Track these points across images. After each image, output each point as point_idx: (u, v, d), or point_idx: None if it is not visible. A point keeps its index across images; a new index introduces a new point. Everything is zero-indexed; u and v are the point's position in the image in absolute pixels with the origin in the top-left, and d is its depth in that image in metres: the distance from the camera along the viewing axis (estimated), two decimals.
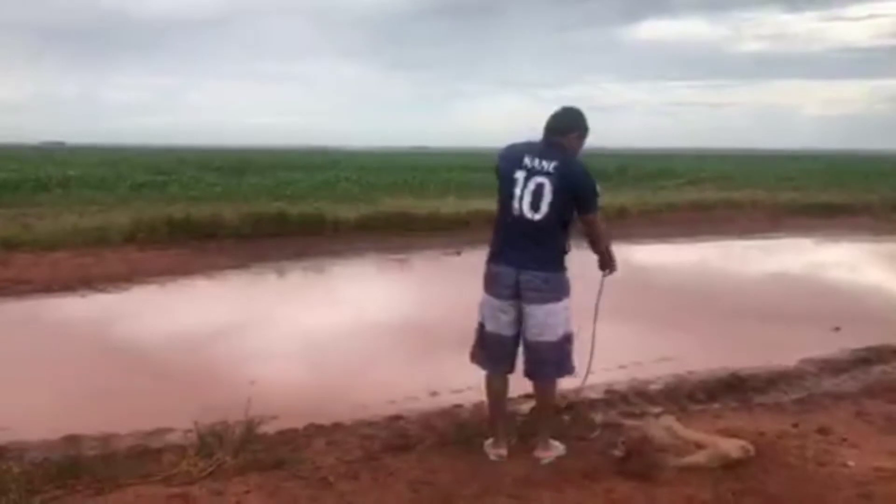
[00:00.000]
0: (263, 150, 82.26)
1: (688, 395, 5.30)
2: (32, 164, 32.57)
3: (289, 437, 4.34)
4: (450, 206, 16.64)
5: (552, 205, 3.70)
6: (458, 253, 12.09)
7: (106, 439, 4.46)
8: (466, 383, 5.36)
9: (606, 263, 4.03)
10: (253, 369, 6.11)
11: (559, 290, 3.80)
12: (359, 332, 7.54)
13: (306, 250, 12.43)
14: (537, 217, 3.72)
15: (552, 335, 3.79)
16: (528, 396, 4.50)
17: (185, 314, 8.45)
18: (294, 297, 9.80)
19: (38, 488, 3.51)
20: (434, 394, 5.41)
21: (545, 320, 3.78)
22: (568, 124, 3.86)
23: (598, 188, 3.79)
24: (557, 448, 3.99)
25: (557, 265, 3.80)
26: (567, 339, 3.86)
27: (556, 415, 4.26)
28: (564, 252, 3.85)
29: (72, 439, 4.42)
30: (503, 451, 3.97)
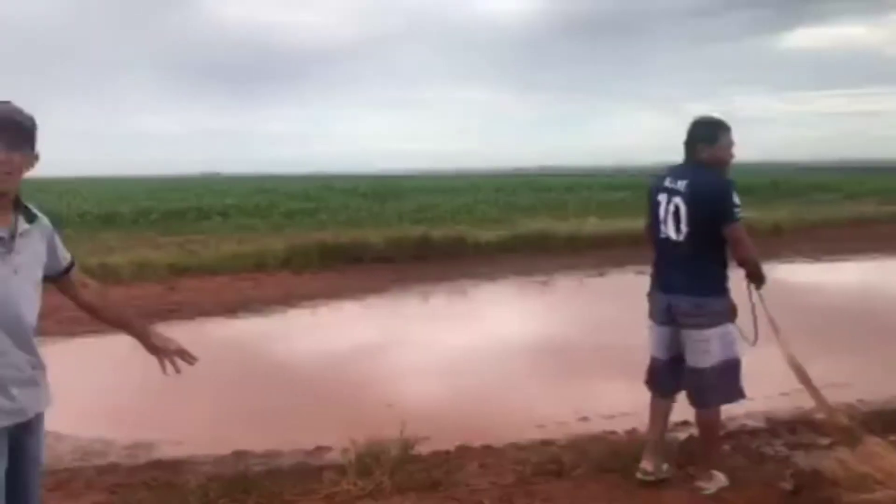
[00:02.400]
0: (402, 175, 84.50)
1: (860, 426, 4.92)
2: (195, 194, 34.97)
3: (442, 459, 4.40)
4: (591, 226, 16.44)
5: (690, 224, 3.61)
6: (601, 274, 11.91)
7: (270, 456, 4.69)
8: (618, 408, 5.27)
9: (754, 276, 3.75)
10: (402, 390, 6.26)
11: (714, 316, 3.65)
12: (504, 354, 7.56)
13: (449, 273, 12.62)
14: (680, 239, 3.65)
15: (707, 361, 3.66)
16: (686, 423, 4.35)
17: (336, 336, 8.77)
18: (438, 319, 9.96)
19: (213, 501, 3.74)
20: (584, 418, 5.33)
21: (699, 346, 3.67)
22: (698, 135, 3.73)
23: (736, 197, 3.60)
24: (719, 479, 3.82)
25: (710, 289, 3.66)
26: (727, 367, 3.69)
27: (718, 444, 4.06)
28: (720, 275, 3.68)
29: (239, 455, 4.69)
30: (647, 467, 3.85)
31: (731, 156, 3.75)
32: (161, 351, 2.54)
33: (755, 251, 3.68)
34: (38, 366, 2.33)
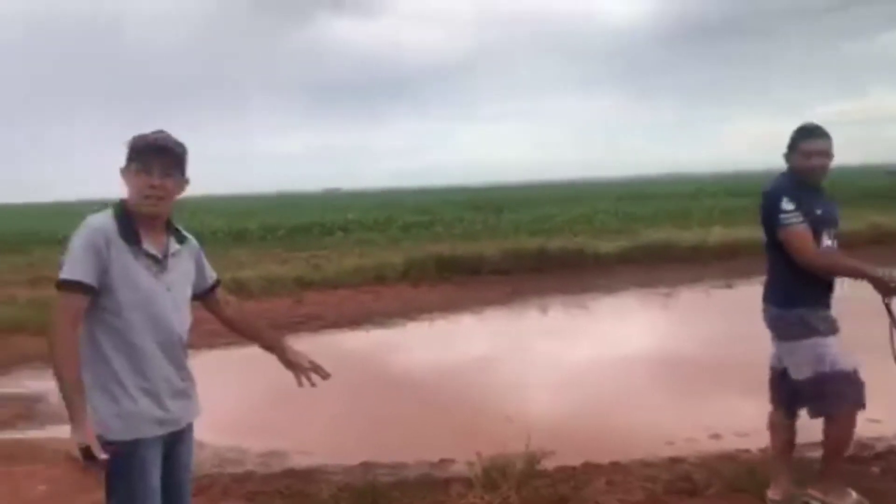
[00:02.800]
0: (520, 186, 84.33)
1: None
2: (318, 210, 36.24)
3: (568, 474, 4.34)
4: (716, 235, 15.84)
5: (765, 233, 3.58)
6: (729, 286, 11.46)
7: (396, 467, 4.77)
8: (751, 426, 5.02)
9: (881, 287, 3.42)
10: (524, 403, 6.23)
11: (793, 328, 3.49)
12: (627, 368, 7.39)
13: (567, 285, 12.49)
14: (764, 247, 3.63)
15: (800, 374, 3.50)
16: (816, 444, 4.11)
17: (455, 348, 8.85)
18: (558, 332, 9.86)
19: None
20: (715, 436, 5.13)
21: (787, 359, 3.57)
22: (788, 142, 3.61)
23: (788, 202, 3.41)
24: (848, 497, 3.56)
25: (785, 300, 3.51)
26: (824, 379, 3.44)
27: (837, 459, 3.74)
28: (792, 285, 3.48)
29: (367, 465, 4.79)
30: (774, 496, 3.67)
31: (811, 163, 3.47)
32: (297, 366, 2.65)
33: (813, 254, 3.42)
34: (188, 378, 2.48)
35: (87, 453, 2.16)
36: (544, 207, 31.11)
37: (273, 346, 2.69)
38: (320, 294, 11.99)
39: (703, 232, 16.55)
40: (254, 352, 2.85)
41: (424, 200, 44.71)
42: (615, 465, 4.51)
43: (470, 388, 6.93)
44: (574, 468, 4.48)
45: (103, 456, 2.17)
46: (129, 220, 2.32)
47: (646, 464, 4.54)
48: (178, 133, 2.41)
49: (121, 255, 2.26)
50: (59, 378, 2.19)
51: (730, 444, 4.92)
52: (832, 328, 3.48)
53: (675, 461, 4.58)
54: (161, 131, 2.38)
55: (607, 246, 14.94)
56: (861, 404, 3.50)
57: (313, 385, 2.65)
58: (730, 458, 4.58)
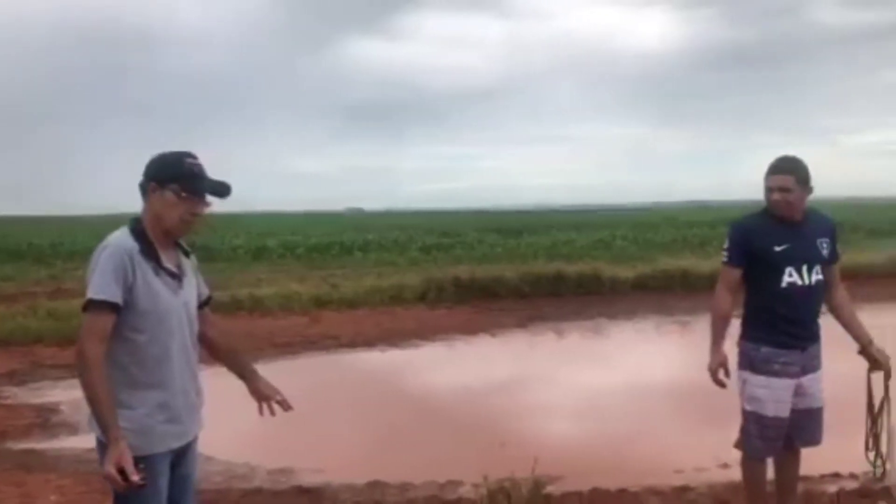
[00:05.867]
0: (542, 210, 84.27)
1: None
2: (338, 229, 36.45)
3: (574, 500, 4.33)
4: None
5: None
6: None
7: (404, 487, 4.77)
8: None
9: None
10: (534, 427, 6.22)
11: (740, 357, 3.56)
12: (640, 395, 7.34)
13: (584, 310, 12.43)
14: None
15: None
16: (836, 475, 4.07)
17: (468, 371, 8.84)
18: (572, 358, 9.82)
19: None
20: (724, 465, 5.07)
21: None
22: None
23: (727, 240, 3.54)
24: None
25: (742, 330, 3.57)
26: (743, 415, 3.54)
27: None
28: (746, 319, 3.54)
29: (375, 485, 4.80)
30: None
31: (772, 197, 3.42)
32: (264, 397, 2.67)
33: (715, 296, 3.56)
34: (200, 392, 2.54)
35: (123, 474, 2.18)
36: (564, 232, 31.06)
37: (245, 375, 2.71)
38: (337, 313, 12.04)
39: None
40: (264, 368, 2.90)
41: (445, 223, 44.80)
42: (623, 493, 4.50)
43: (481, 410, 6.92)
44: (581, 494, 4.47)
45: (135, 478, 2.19)
46: (149, 238, 2.37)
47: (654, 492, 4.53)
48: (206, 151, 2.48)
49: (144, 272, 2.32)
50: (95, 400, 2.21)
51: (738, 474, 4.87)
52: (770, 369, 3.45)
53: (683, 490, 4.56)
54: (194, 156, 2.43)
55: (625, 272, 14.86)
56: (748, 454, 3.59)
57: (273, 415, 2.68)
58: (738, 488, 4.53)
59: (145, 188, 2.40)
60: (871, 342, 3.51)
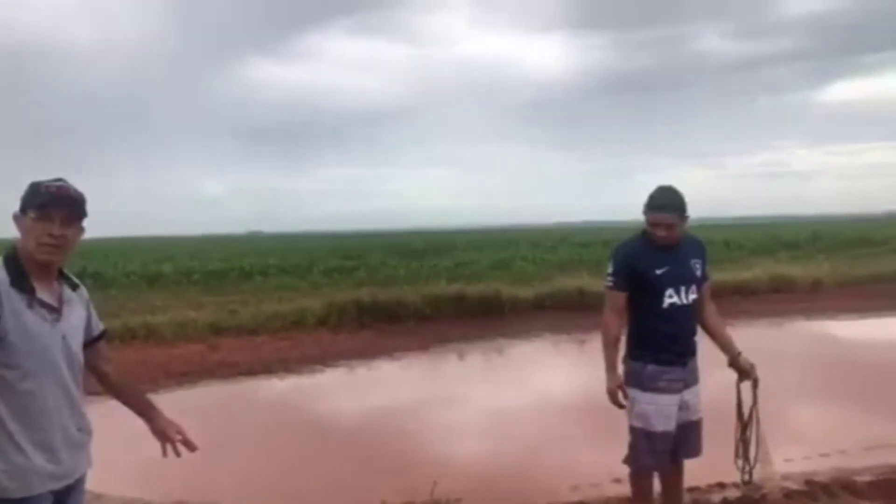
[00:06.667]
0: (443, 232, 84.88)
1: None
2: (238, 253, 35.64)
3: None
4: None
5: None
6: None
7: None
8: None
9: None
10: (435, 450, 6.26)
11: (627, 377, 3.72)
12: (539, 413, 7.52)
13: (485, 331, 12.59)
14: None
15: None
16: (721, 485, 4.27)
17: (371, 396, 8.81)
18: (473, 379, 9.94)
19: None
20: (617, 480, 5.25)
21: None
22: None
23: (610, 265, 3.73)
24: None
25: (627, 350, 3.74)
26: (632, 431, 3.73)
27: None
28: (635, 337, 3.73)
29: None
30: None
31: (655, 232, 3.62)
32: (166, 437, 2.60)
33: (603, 320, 3.73)
34: (85, 428, 2.45)
35: None
36: (466, 253, 31.39)
37: (145, 414, 2.64)
38: (236, 340, 11.78)
39: None
40: (159, 399, 2.83)
41: (348, 245, 44.51)
42: None
43: (382, 435, 6.91)
44: None
45: None
46: (21, 268, 2.29)
47: None
48: (94, 176, 2.39)
49: (14, 304, 2.23)
50: None
51: (628, 489, 5.06)
52: (657, 386, 3.63)
53: None
54: (62, 180, 2.36)
55: (524, 292, 15.15)
56: (633, 468, 3.76)
57: (178, 455, 2.61)
58: (627, 501, 4.71)
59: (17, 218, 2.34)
60: (739, 354, 3.74)
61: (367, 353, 10.88)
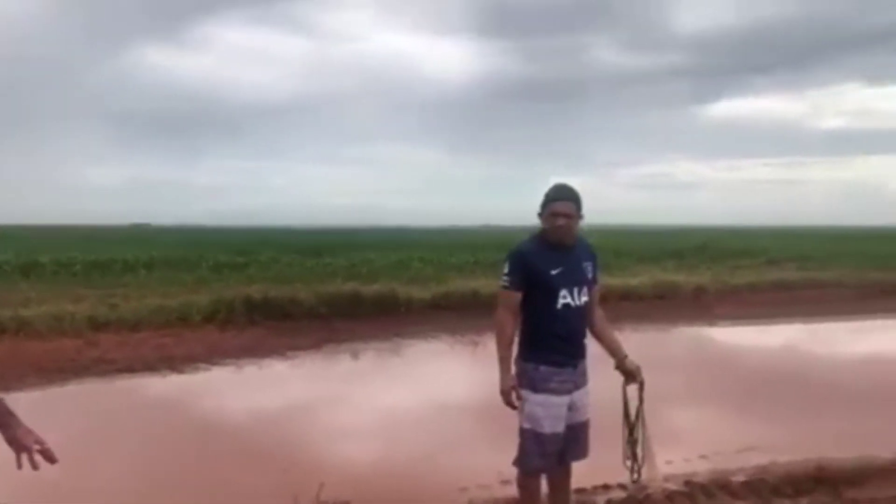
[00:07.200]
0: (340, 230, 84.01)
1: (773, 489, 5.01)
2: (120, 246, 34.07)
3: None
4: None
5: None
6: None
7: None
8: None
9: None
10: (323, 451, 6.12)
11: (520, 378, 3.69)
12: (431, 414, 7.49)
13: (380, 331, 12.51)
14: None
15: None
16: (606, 486, 4.33)
17: (258, 395, 8.55)
18: (366, 379, 9.81)
19: None
20: (505, 482, 5.25)
21: None
22: None
23: (505, 266, 3.71)
24: None
25: (519, 350, 3.73)
26: (521, 433, 3.72)
27: None
28: (528, 338, 3.71)
29: None
30: None
31: (557, 222, 3.61)
32: (22, 446, 2.31)
33: (498, 320, 3.68)
34: None
35: None
36: (363, 252, 31.12)
37: (1, 420, 2.34)
38: (116, 335, 11.19)
39: None
40: (26, 397, 2.59)
41: (240, 241, 43.34)
42: None
43: (269, 436, 6.70)
44: None
45: None
46: None
47: None
48: None
49: None
50: None
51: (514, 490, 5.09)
52: (548, 387, 3.63)
53: None
54: None
55: (421, 292, 15.16)
56: (522, 470, 3.76)
57: (35, 468, 2.32)
58: (514, 502, 4.73)
59: None
60: (626, 357, 3.79)
61: (257, 352, 10.58)
